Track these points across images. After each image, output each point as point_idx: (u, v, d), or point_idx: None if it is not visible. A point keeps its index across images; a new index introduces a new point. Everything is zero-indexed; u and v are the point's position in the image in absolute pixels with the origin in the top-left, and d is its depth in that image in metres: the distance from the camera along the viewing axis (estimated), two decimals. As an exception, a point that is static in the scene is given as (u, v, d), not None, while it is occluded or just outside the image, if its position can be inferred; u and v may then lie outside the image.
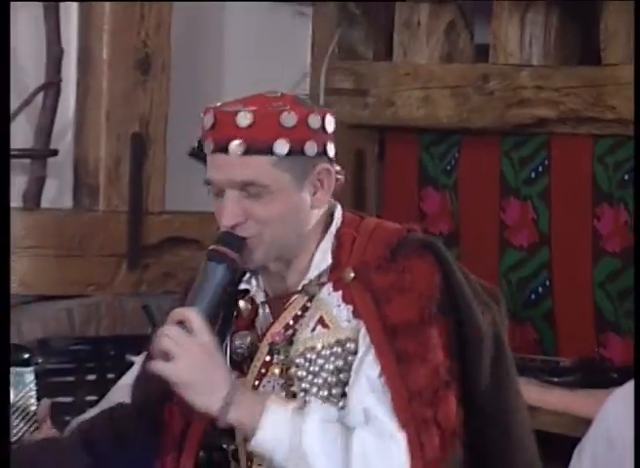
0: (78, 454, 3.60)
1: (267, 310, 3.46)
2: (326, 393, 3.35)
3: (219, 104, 3.40)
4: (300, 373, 3.33)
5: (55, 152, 5.95)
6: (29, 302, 6.00)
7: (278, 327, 3.41)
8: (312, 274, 3.38)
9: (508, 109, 5.23)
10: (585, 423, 4.49)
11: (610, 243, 5.12)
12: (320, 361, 3.34)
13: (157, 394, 3.52)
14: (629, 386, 4.31)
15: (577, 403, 4.79)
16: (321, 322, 3.37)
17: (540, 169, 5.29)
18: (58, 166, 6.03)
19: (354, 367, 3.33)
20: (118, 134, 6.00)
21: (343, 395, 3.36)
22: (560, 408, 4.94)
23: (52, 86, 5.78)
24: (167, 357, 3.18)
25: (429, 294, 3.35)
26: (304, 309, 3.40)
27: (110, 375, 5.87)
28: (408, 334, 3.33)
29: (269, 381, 3.39)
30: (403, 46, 5.59)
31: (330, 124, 3.45)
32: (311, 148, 3.36)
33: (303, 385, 3.32)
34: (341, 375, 3.36)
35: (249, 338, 3.43)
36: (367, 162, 5.89)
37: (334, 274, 3.38)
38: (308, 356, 3.33)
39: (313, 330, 3.35)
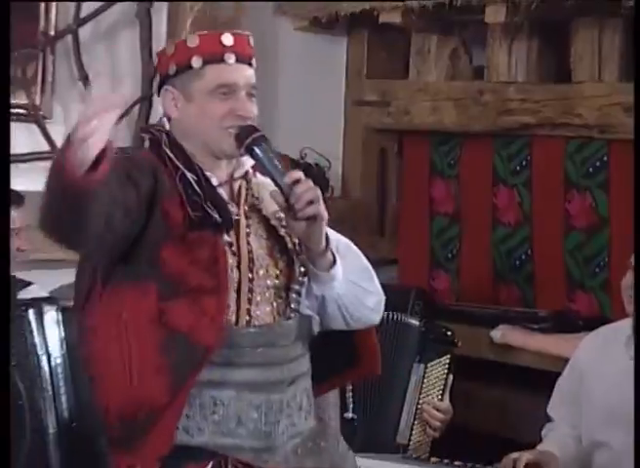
0: None
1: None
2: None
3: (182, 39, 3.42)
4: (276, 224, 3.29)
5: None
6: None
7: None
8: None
9: (499, 117, 5.27)
10: (558, 360, 4.65)
11: (578, 220, 5.19)
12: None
13: None
14: (597, 333, 4.54)
15: (551, 345, 4.86)
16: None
17: (524, 163, 5.36)
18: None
19: None
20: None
21: None
22: (538, 348, 4.99)
23: (145, 99, 5.68)
24: (315, 203, 3.13)
25: None
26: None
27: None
28: None
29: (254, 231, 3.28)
30: (417, 68, 5.61)
31: None
32: None
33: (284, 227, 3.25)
34: None
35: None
36: (388, 158, 5.90)
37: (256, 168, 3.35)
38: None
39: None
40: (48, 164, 5.14)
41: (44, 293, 4.58)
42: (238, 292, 3.17)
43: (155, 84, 3.33)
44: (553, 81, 5.27)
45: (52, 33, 5.36)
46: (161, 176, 3.15)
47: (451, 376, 4.67)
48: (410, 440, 4.54)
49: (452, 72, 5.56)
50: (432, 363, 4.62)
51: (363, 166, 5.82)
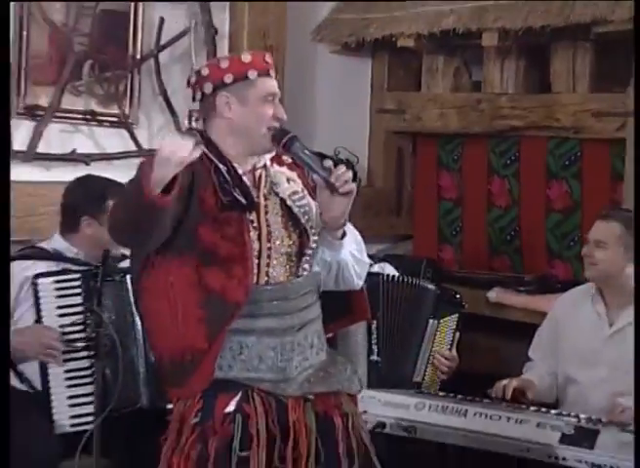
0: None
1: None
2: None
3: (237, 55, 3.38)
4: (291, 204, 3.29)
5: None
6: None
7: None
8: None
9: (493, 121, 5.33)
10: (540, 314, 4.71)
11: (556, 204, 5.25)
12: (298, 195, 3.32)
13: None
14: (570, 293, 4.58)
15: (534, 303, 4.92)
16: (287, 181, 3.34)
17: (513, 158, 5.42)
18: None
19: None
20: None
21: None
22: (524, 306, 5.05)
23: None
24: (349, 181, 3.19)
25: None
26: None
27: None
28: None
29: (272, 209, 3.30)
30: (427, 82, 5.66)
31: None
32: None
33: (297, 206, 3.28)
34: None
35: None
36: (405, 155, 5.93)
37: (273, 160, 3.36)
38: (295, 196, 3.30)
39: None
40: (135, 160, 5.29)
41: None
42: (259, 258, 3.23)
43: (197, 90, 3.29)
44: (537, 92, 5.30)
45: (138, 57, 5.37)
46: (198, 170, 3.16)
47: (458, 333, 4.70)
48: (423, 379, 4.58)
49: (455, 86, 5.61)
50: (444, 319, 4.65)
51: (384, 161, 5.83)
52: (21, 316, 4.32)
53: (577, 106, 5.02)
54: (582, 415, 4.03)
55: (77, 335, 4.29)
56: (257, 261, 3.23)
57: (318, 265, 3.39)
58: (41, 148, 5.13)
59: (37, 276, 4.28)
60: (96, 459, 4.00)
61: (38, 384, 4.30)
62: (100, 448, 3.99)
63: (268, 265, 3.27)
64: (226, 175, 3.21)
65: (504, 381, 4.29)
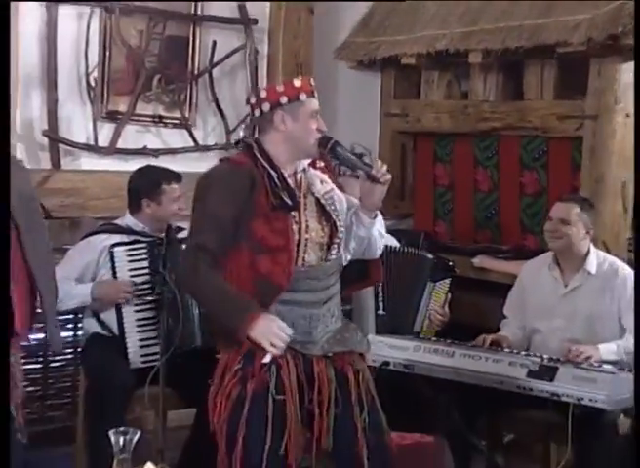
0: None
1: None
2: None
3: (289, 80, 3.31)
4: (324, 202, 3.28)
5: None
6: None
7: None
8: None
9: (478, 123, 5.26)
10: (514, 277, 4.65)
11: (528, 189, 5.18)
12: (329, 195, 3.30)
13: None
14: (534, 259, 4.54)
15: (509, 267, 4.89)
16: (321, 182, 3.32)
17: (494, 152, 5.33)
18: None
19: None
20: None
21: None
22: (502, 270, 5.01)
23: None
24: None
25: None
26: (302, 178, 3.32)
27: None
28: None
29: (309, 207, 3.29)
30: (425, 92, 5.59)
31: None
32: None
33: (329, 204, 3.28)
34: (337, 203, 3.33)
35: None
36: (407, 151, 5.83)
37: (310, 164, 3.32)
38: (327, 195, 3.30)
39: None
40: (193, 154, 5.30)
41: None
42: (297, 246, 3.21)
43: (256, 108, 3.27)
44: (512, 100, 5.24)
45: (195, 72, 5.42)
46: (254, 176, 3.17)
47: (450, 293, 4.69)
48: (422, 330, 4.58)
49: (447, 94, 5.55)
50: (439, 282, 4.65)
51: (391, 155, 5.71)
52: (101, 277, 4.35)
53: (544, 111, 4.99)
54: (545, 356, 4.05)
55: (145, 292, 4.32)
56: (296, 249, 3.22)
57: (353, 240, 3.40)
58: (120, 144, 5.19)
59: (113, 245, 4.32)
60: (162, 389, 4.07)
61: (116, 330, 4.33)
62: (165, 379, 4.06)
63: (305, 252, 3.26)
64: (276, 181, 3.18)
65: (484, 335, 4.31)
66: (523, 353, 4.17)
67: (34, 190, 3.69)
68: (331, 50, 5.81)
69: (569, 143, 4.95)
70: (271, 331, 3.08)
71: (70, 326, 4.98)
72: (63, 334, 4.96)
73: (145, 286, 4.33)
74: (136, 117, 5.27)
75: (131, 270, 4.34)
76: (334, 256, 3.32)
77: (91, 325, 4.45)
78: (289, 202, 3.17)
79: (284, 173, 3.23)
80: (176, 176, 4.49)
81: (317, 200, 3.31)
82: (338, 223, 3.31)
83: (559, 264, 4.35)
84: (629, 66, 4.59)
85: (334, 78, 5.80)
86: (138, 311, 4.34)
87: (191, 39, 5.40)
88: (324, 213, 3.31)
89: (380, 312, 4.61)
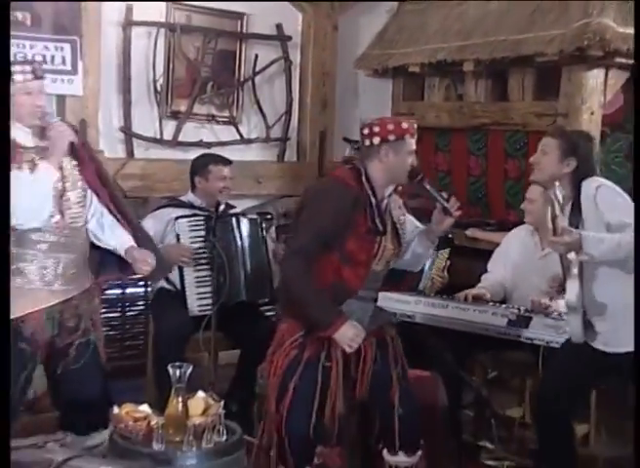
0: None
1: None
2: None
3: (399, 121, 3.23)
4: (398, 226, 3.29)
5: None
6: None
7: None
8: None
9: (470, 120, 5.20)
10: (497, 244, 4.58)
11: (511, 174, 5.12)
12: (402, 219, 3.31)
13: None
14: (517, 229, 4.46)
15: (496, 237, 4.79)
16: (398, 207, 3.33)
17: (483, 144, 5.26)
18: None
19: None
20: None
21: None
22: (489, 239, 4.93)
23: (287, 113, 5.68)
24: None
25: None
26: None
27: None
28: None
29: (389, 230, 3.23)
30: (428, 94, 5.53)
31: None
32: None
33: (401, 228, 3.30)
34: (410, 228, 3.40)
35: None
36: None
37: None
38: (401, 220, 3.30)
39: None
40: (239, 146, 5.27)
41: (238, 210, 4.69)
42: (375, 258, 3.21)
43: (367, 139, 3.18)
44: (499, 101, 5.17)
45: (241, 80, 5.43)
46: (358, 198, 3.11)
47: (449, 261, 4.68)
48: (425, 288, 4.54)
49: (446, 97, 5.48)
50: (440, 251, 4.59)
51: None
52: (168, 243, 4.38)
53: (524, 110, 4.93)
54: (522, 308, 4.04)
55: (201, 255, 4.35)
56: (374, 261, 3.23)
57: (409, 253, 3.40)
58: (180, 138, 5.25)
59: (177, 218, 4.37)
60: (213, 333, 4.15)
61: (178, 285, 4.39)
62: (216, 325, 4.15)
63: (377, 264, 3.26)
64: (374, 208, 3.15)
65: (466, 290, 4.26)
66: (504, 306, 4.14)
67: None
68: (351, 61, 5.76)
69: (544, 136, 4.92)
70: (351, 337, 3.08)
71: (142, 283, 5.06)
72: (137, 290, 5.12)
73: (201, 251, 4.36)
74: (193, 116, 5.30)
75: (190, 238, 4.39)
76: (391, 266, 3.35)
77: (159, 281, 4.50)
78: (380, 229, 3.17)
79: (378, 196, 3.19)
80: (222, 160, 4.53)
81: (394, 224, 3.30)
82: (403, 245, 3.32)
83: (538, 233, 4.33)
84: (593, 73, 4.58)
85: (354, 84, 5.82)
86: (195, 270, 4.37)
87: (238, 53, 5.41)
88: (396, 235, 3.30)
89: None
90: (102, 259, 3.55)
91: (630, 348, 3.27)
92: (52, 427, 3.51)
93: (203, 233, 4.36)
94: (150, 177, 5.05)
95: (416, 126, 3.21)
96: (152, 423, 2.78)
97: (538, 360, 3.89)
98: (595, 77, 4.59)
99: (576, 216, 3.35)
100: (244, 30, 5.38)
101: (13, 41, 4.25)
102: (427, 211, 3.47)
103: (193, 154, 4.77)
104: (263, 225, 4.58)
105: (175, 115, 5.23)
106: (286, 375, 3.19)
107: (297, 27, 5.64)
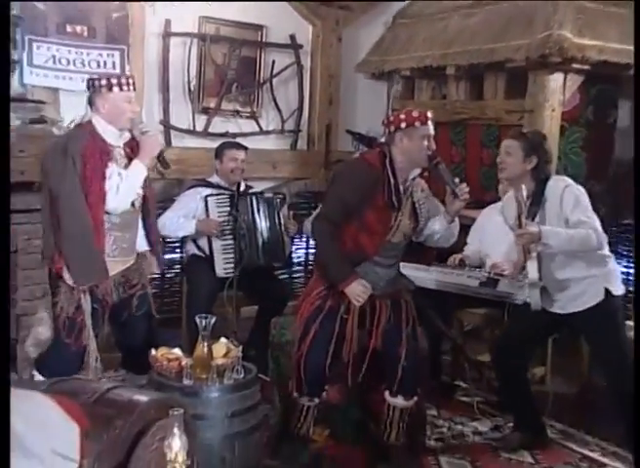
0: None
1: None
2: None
3: (410, 110, 3.18)
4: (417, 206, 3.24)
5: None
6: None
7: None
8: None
9: (452, 115, 5.14)
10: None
11: (485, 161, 5.06)
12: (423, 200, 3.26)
13: None
14: (491, 206, 4.36)
15: (474, 214, 4.55)
16: (421, 190, 3.28)
17: (463, 136, 5.22)
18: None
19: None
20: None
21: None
22: (469, 215, 4.48)
23: (299, 109, 5.59)
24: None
25: None
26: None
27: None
28: None
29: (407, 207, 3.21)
30: (417, 94, 5.48)
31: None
32: None
33: (420, 208, 3.25)
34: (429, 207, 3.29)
35: None
36: None
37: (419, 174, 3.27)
38: (421, 201, 3.26)
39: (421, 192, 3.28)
40: (258, 136, 5.21)
41: (257, 190, 4.68)
42: (390, 232, 3.19)
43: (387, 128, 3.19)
44: (476, 99, 5.14)
45: (261, 81, 5.34)
46: (379, 177, 3.10)
47: None
48: None
49: (432, 96, 5.44)
50: None
51: None
52: (198, 217, 4.37)
53: (497, 107, 4.89)
54: (493, 272, 4.03)
55: (226, 227, 4.36)
56: (388, 234, 3.21)
57: (428, 229, 3.32)
58: (210, 130, 5.21)
59: (207, 196, 4.39)
60: (235, 292, 4.16)
61: (207, 252, 4.39)
62: (237, 285, 4.17)
63: (393, 236, 3.23)
64: (392, 186, 3.12)
65: (454, 255, 4.25)
66: (477, 270, 4.14)
67: None
68: (353, 65, 5.72)
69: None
70: (358, 293, 3.10)
71: (178, 249, 5.07)
72: (174, 256, 5.14)
73: (226, 223, 4.37)
74: (220, 111, 5.25)
75: (218, 213, 4.40)
76: (409, 240, 3.32)
77: (191, 248, 4.52)
78: (395, 204, 3.14)
79: (399, 180, 3.15)
80: (235, 145, 4.54)
81: (413, 204, 3.25)
82: (421, 221, 3.27)
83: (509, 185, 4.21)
84: (554, 76, 4.55)
85: (354, 85, 5.75)
86: (221, 240, 4.39)
87: (258, 59, 5.36)
88: (414, 213, 3.26)
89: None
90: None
91: (580, 308, 3.33)
92: (114, 366, 3.61)
93: (228, 208, 4.36)
94: (184, 162, 5.02)
95: (429, 114, 3.15)
96: (183, 363, 2.84)
97: (504, 314, 3.94)
98: (556, 80, 4.57)
99: (535, 207, 3.34)
100: (263, 40, 5.34)
101: (73, 49, 4.34)
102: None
103: (220, 143, 4.77)
104: (278, 203, 4.55)
105: (205, 110, 5.18)
106: (309, 321, 3.21)
107: (307, 37, 5.58)
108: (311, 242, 5.29)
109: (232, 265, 4.28)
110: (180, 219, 4.36)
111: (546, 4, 4.49)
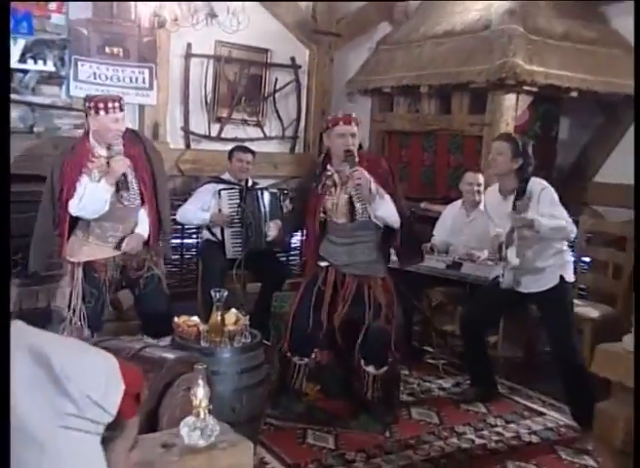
0: None
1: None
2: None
3: (339, 113, 3.20)
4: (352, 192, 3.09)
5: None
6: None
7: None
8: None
9: (425, 126, 5.13)
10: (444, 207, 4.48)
11: (452, 164, 5.06)
12: (357, 187, 3.05)
13: None
14: (452, 204, 4.32)
15: (440, 208, 4.59)
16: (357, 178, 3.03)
17: (433, 144, 5.20)
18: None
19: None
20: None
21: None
22: (437, 209, 4.73)
23: (297, 120, 5.67)
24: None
25: None
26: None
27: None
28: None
29: (342, 193, 3.16)
30: (396, 108, 5.42)
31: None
32: None
33: (354, 195, 3.08)
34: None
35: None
36: (385, 142, 5.57)
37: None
38: (355, 187, 3.05)
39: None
40: (263, 141, 5.19)
41: (262, 186, 4.64)
42: (332, 213, 3.20)
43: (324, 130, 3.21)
44: (444, 114, 5.10)
45: (266, 95, 5.36)
46: (319, 170, 3.14)
47: None
48: None
49: (408, 110, 5.40)
50: None
51: (376, 144, 5.54)
52: (213, 208, 4.35)
53: (462, 120, 4.88)
54: (456, 256, 4.06)
55: (236, 216, 4.35)
56: (330, 214, 3.20)
57: (373, 213, 3.12)
58: (223, 135, 5.21)
59: (220, 190, 4.38)
60: (242, 270, 4.15)
61: (219, 237, 4.39)
62: (244, 265, 4.16)
63: (336, 217, 3.20)
64: (321, 176, 3.16)
65: (425, 244, 4.12)
66: (444, 255, 4.14)
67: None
68: (343, 83, 5.69)
69: (475, 140, 4.87)
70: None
71: (195, 235, 5.07)
72: (190, 241, 5.13)
73: (235, 213, 4.38)
74: (231, 120, 5.27)
75: (229, 204, 4.39)
76: (357, 221, 3.17)
77: (206, 234, 4.53)
78: (327, 190, 3.17)
79: (331, 169, 3.13)
80: (242, 148, 4.53)
81: (347, 190, 3.18)
82: (356, 204, 3.11)
83: (464, 204, 4.30)
84: (508, 96, 4.56)
85: (344, 100, 5.76)
86: (231, 227, 4.39)
87: (263, 77, 5.34)
88: (350, 198, 3.16)
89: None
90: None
91: (540, 289, 3.36)
92: (136, 331, 3.63)
93: (237, 201, 4.35)
94: (201, 162, 5.04)
95: (341, 116, 3.11)
96: (200, 329, 2.86)
97: (465, 292, 3.97)
98: (510, 99, 4.59)
99: (518, 200, 3.30)
100: (268, 61, 5.32)
101: (110, 67, 4.37)
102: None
103: (231, 146, 4.77)
104: (281, 197, 4.52)
105: (219, 119, 5.17)
106: (298, 292, 3.27)
107: (305, 59, 5.56)
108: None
109: (240, 249, 4.27)
110: (199, 211, 4.37)
111: (502, 36, 4.50)
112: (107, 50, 4.31)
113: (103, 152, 3.23)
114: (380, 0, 5.63)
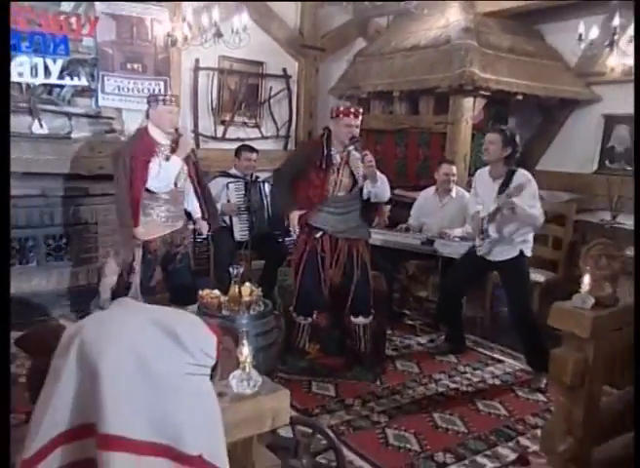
0: None
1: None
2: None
3: (339, 106, 3.15)
4: (353, 169, 3.11)
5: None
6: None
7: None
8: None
9: (397, 125, 5.11)
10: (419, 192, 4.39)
11: (421, 157, 5.00)
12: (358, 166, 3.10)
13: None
14: (425, 190, 4.20)
15: (413, 194, 4.54)
16: (357, 160, 3.10)
17: (404, 140, 5.16)
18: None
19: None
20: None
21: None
22: (409, 195, 4.65)
23: (290, 121, 5.78)
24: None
25: None
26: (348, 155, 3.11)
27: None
28: None
29: (345, 170, 3.13)
30: (372, 111, 5.34)
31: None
32: None
33: (356, 172, 3.12)
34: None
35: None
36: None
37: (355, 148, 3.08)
38: (356, 165, 3.09)
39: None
40: (260, 140, 5.10)
41: (262, 178, 4.60)
42: (334, 187, 3.14)
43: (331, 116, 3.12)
44: (413, 114, 5.09)
45: (262, 101, 5.32)
46: (319, 148, 3.06)
47: (390, 211, 4.18)
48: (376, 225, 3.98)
49: (382, 112, 5.37)
50: (387, 206, 4.03)
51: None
52: (222, 200, 4.29)
53: (428, 120, 4.86)
54: (429, 234, 4.04)
55: (242, 205, 4.35)
56: (332, 188, 3.14)
57: (366, 189, 3.16)
58: (227, 136, 5.17)
59: (228, 183, 4.36)
60: (249, 250, 4.17)
61: (229, 223, 4.35)
62: (250, 247, 4.19)
63: (338, 190, 3.15)
64: (325, 155, 3.07)
65: (401, 224, 4.20)
66: (418, 234, 4.12)
67: None
68: (327, 90, 5.64)
69: (440, 136, 4.84)
70: (294, 223, 3.14)
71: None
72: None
73: (242, 203, 4.37)
74: (233, 123, 5.23)
75: (235, 195, 4.37)
76: (352, 193, 3.19)
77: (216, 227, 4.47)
78: (324, 167, 3.09)
79: (334, 150, 3.09)
80: (249, 148, 4.49)
81: (349, 167, 3.16)
82: (358, 180, 3.15)
83: (437, 190, 4.25)
84: (467, 99, 4.58)
85: (327, 104, 5.64)
86: (239, 216, 4.39)
87: (260, 85, 5.30)
88: (352, 174, 3.17)
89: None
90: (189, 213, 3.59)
91: (504, 258, 3.38)
92: (165, 303, 3.64)
93: (243, 192, 4.34)
94: (209, 159, 4.95)
95: (353, 109, 3.09)
96: (221, 300, 2.89)
97: (437, 265, 4.00)
98: (468, 102, 4.61)
99: (505, 186, 3.26)
100: (264, 72, 5.29)
101: (131, 80, 4.31)
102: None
103: (234, 145, 4.69)
104: None
105: (223, 122, 5.13)
106: (300, 260, 3.22)
107: (294, 70, 5.49)
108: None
109: (246, 232, 4.26)
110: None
111: (461, 49, 4.54)
112: (129, 66, 4.28)
113: (165, 141, 3.29)
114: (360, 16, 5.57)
